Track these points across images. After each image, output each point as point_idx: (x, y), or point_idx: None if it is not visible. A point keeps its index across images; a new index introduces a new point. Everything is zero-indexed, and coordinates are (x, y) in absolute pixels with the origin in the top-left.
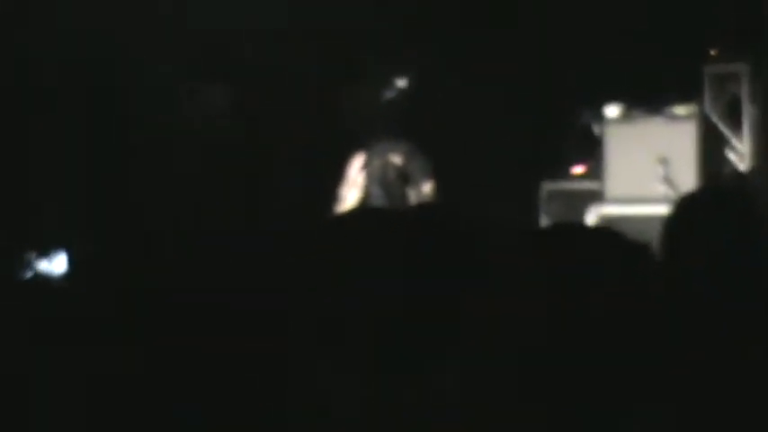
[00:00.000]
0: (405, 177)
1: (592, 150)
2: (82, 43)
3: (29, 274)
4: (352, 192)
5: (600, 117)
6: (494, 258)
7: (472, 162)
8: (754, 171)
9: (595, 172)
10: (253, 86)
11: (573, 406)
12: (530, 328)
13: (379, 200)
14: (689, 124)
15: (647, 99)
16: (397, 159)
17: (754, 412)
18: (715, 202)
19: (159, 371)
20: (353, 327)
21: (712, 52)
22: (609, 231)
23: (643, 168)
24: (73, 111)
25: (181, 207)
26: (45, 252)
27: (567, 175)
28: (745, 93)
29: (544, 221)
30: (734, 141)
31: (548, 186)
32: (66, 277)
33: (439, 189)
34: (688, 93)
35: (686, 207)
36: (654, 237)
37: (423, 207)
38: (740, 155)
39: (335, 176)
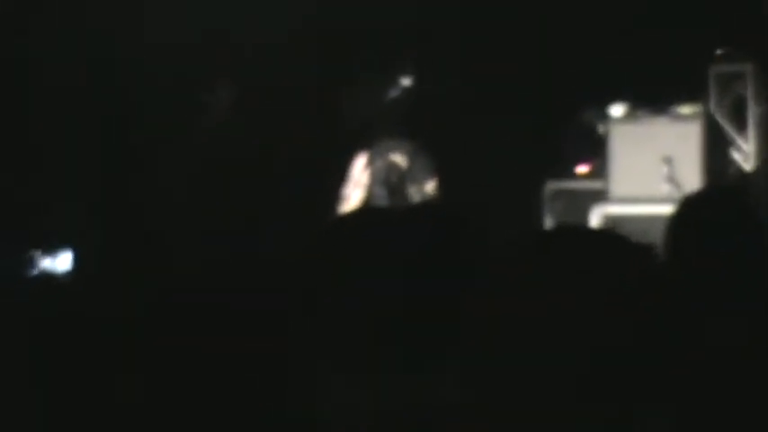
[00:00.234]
0: (408, 177)
1: (596, 150)
2: (83, 44)
3: (33, 272)
4: (355, 191)
5: (604, 116)
6: (494, 261)
7: (476, 161)
8: (758, 171)
9: (599, 171)
10: (253, 87)
11: (574, 406)
12: (531, 328)
13: (382, 200)
14: (694, 124)
15: (652, 98)
16: (400, 159)
17: (756, 413)
18: (719, 202)
19: (159, 371)
20: (353, 327)
21: (718, 52)
22: (612, 233)
23: (647, 168)
24: (76, 110)
25: (181, 207)
26: (50, 250)
27: (571, 175)
28: (750, 93)
29: (548, 221)
30: (739, 141)
31: (551, 186)
32: (71, 275)
33: (442, 188)
34: (693, 92)
35: (690, 207)
36: (658, 237)
37: (425, 206)
38: (745, 155)
39: (336, 176)
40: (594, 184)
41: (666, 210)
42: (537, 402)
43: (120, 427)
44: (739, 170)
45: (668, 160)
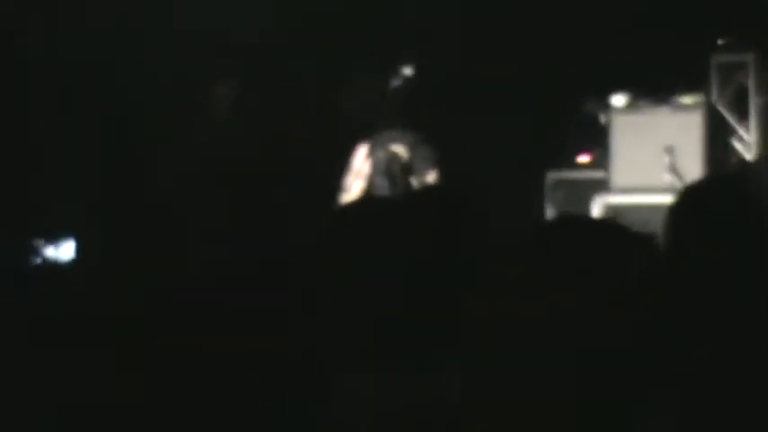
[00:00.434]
0: (409, 168)
1: (597, 139)
2: (84, 42)
3: (37, 261)
4: (356, 182)
5: (606, 106)
6: (494, 259)
7: (477, 151)
8: (760, 160)
9: (601, 161)
10: (254, 84)
11: (575, 405)
12: (531, 326)
13: (383, 190)
14: (695, 114)
15: (654, 88)
16: (401, 149)
17: (759, 407)
18: (720, 192)
19: (159, 370)
20: (354, 326)
21: (719, 42)
22: (612, 224)
23: (649, 158)
24: (76, 110)
25: (181, 206)
26: (53, 239)
27: (573, 164)
28: (751, 82)
29: (549, 210)
30: (740, 131)
31: (553, 175)
32: (73, 267)
33: (443, 178)
34: (694, 82)
35: (691, 196)
36: (659, 227)
37: (426, 191)
38: (746, 144)
39: (336, 175)
40: (596, 174)
41: (668, 200)
42: (537, 402)
43: (120, 426)
44: (741, 160)
45: (669, 150)
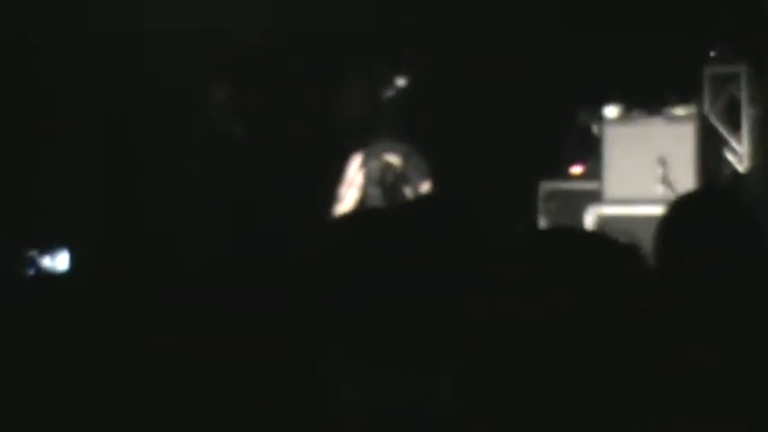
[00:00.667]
0: (402, 178)
1: (590, 150)
2: (83, 45)
3: (31, 272)
4: (350, 192)
5: (599, 117)
6: (493, 260)
7: (470, 161)
8: (752, 172)
9: (594, 172)
10: (253, 87)
11: (573, 405)
12: (531, 328)
13: (376, 200)
14: (688, 125)
15: (647, 100)
16: (394, 159)
17: (750, 412)
18: (710, 203)
19: (157, 371)
20: (350, 325)
21: (712, 53)
22: (595, 234)
23: (642, 169)
24: (76, 111)
25: (181, 206)
26: (48, 249)
27: (566, 175)
28: (744, 94)
29: (542, 221)
30: (732, 142)
31: (546, 186)
32: (69, 275)
33: (436, 189)
34: (687, 94)
35: (681, 208)
36: (649, 238)
37: (422, 199)
38: (739, 156)
39: (333, 176)
40: (589, 185)
41: (660, 211)
42: (537, 402)
43: (121, 427)
44: (733, 171)
45: (662, 161)
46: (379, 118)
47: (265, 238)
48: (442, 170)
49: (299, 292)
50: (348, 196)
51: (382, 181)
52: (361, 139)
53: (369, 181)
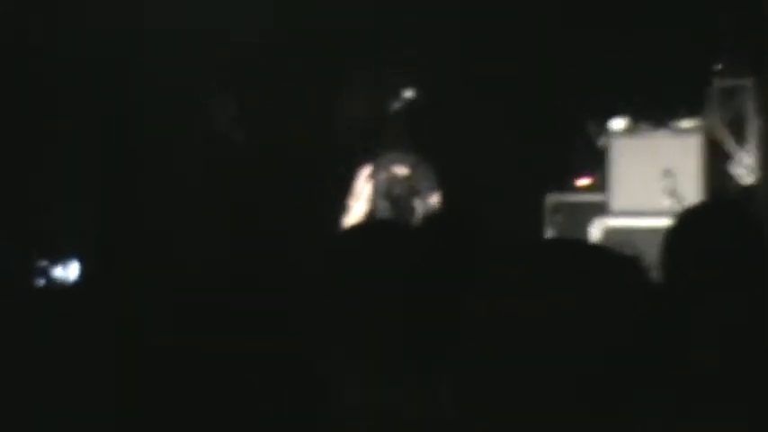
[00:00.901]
0: (411, 190)
1: (597, 163)
2: (83, 44)
3: (42, 282)
4: (358, 203)
5: (605, 130)
6: (494, 261)
7: (478, 173)
8: (758, 184)
9: (600, 184)
10: (253, 88)
11: (574, 406)
12: (528, 329)
13: (385, 212)
14: (694, 138)
15: (653, 112)
16: (403, 171)
17: (751, 413)
18: (717, 216)
19: (157, 370)
20: (355, 328)
21: (718, 66)
22: (597, 245)
23: (648, 181)
24: (76, 111)
25: (184, 210)
26: (58, 259)
27: (572, 187)
28: (750, 107)
29: (549, 233)
30: (739, 155)
31: (553, 198)
32: (79, 282)
33: (445, 201)
34: (693, 107)
35: (688, 220)
36: (656, 250)
37: (429, 215)
38: (745, 168)
39: (333, 177)
40: (595, 197)
41: (667, 223)
42: (537, 403)
43: (122, 427)
44: (739, 184)
45: (668, 174)
46: (387, 129)
47: (265, 238)
48: (449, 182)
49: (303, 294)
50: (356, 208)
51: (390, 193)
52: (370, 151)
53: (376, 193)
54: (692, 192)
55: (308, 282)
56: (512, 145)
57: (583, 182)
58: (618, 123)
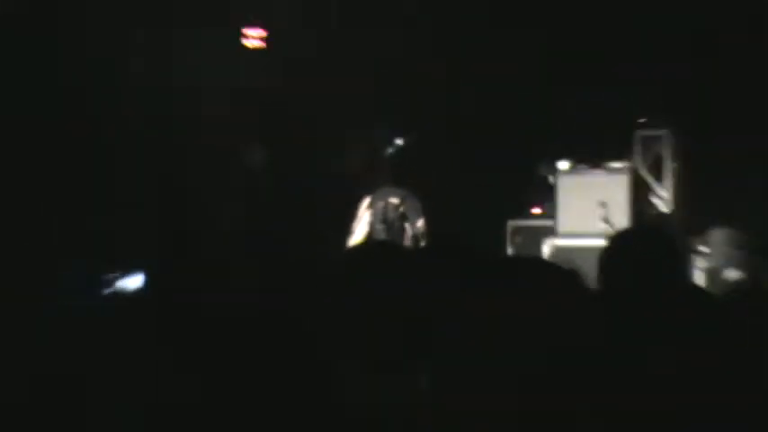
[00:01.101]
0: (402, 216)
1: (547, 195)
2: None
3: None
4: (360, 226)
5: (554, 169)
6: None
7: (454, 203)
8: (673, 213)
9: (550, 212)
10: (285, 148)
11: (572, 405)
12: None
13: (381, 234)
14: (623, 176)
15: (590, 156)
16: (395, 201)
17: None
18: (642, 237)
19: (166, 369)
20: (356, 328)
21: (641, 120)
22: (546, 261)
23: (587, 210)
24: (143, 168)
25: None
26: (124, 273)
27: (529, 215)
28: (666, 152)
29: (510, 251)
30: (658, 190)
31: (512, 223)
32: (137, 292)
33: (429, 225)
34: (622, 151)
35: (618, 241)
36: (594, 264)
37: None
38: (663, 200)
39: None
40: (546, 222)
41: (602, 243)
42: (490, 401)
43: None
44: (658, 212)
45: (603, 204)
46: (383, 169)
47: (293, 258)
48: (432, 210)
49: (306, 296)
50: (358, 230)
51: (385, 218)
52: (369, 185)
53: (375, 218)
54: (621, 218)
55: (312, 285)
56: (480, 182)
57: (536, 210)
58: (563, 164)
